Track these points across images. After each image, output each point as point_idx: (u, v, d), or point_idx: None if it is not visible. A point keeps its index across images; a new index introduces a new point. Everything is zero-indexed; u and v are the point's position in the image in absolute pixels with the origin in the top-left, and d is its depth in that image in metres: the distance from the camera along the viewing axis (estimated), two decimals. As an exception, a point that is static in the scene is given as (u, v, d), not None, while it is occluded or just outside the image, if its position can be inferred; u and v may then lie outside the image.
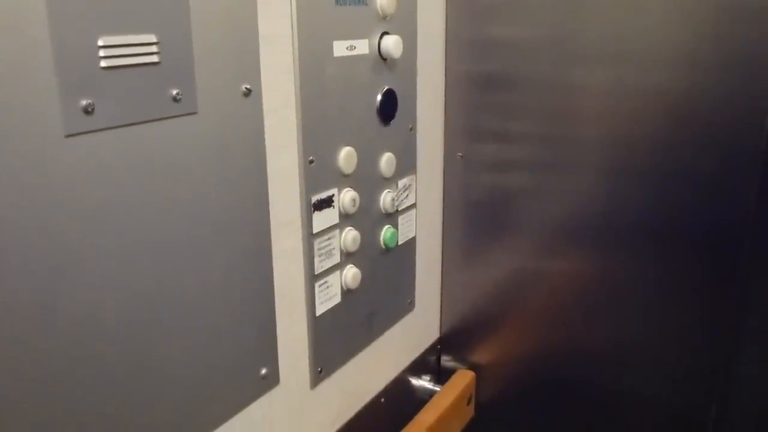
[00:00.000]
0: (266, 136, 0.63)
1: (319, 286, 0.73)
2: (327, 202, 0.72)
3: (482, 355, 1.04)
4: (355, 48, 0.73)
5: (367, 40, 0.75)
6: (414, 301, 0.96)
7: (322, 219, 0.72)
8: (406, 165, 0.87)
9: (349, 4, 0.71)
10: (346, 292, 0.78)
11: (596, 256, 0.90)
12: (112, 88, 0.48)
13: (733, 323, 0.83)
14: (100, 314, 0.50)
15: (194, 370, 0.59)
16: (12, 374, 0.45)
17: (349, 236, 0.76)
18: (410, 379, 1.00)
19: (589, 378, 0.95)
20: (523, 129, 0.91)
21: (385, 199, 0.82)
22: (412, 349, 1.00)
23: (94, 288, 0.49)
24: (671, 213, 0.83)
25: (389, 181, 0.83)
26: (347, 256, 0.77)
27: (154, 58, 0.50)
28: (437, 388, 1.01)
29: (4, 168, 0.42)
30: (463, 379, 1.03)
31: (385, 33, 0.77)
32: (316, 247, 0.72)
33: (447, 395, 0.99)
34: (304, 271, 0.71)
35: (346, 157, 0.73)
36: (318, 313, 0.74)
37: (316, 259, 0.72)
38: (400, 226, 0.87)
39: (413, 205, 0.90)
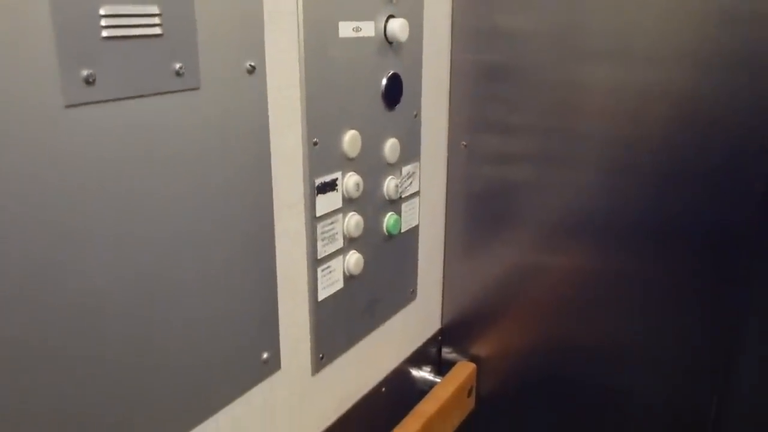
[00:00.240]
0: (270, 114, 0.62)
1: (322, 270, 0.72)
2: (331, 186, 0.71)
3: (483, 348, 1.04)
4: (360, 30, 0.72)
5: (373, 23, 0.73)
6: (416, 290, 0.95)
7: (326, 202, 0.71)
8: (411, 152, 0.85)
9: (356, -15, 0.70)
10: (349, 278, 0.77)
11: (597, 253, 0.89)
12: (114, 60, 0.47)
13: (733, 323, 0.83)
14: (99, 297, 0.49)
15: (195, 352, 0.58)
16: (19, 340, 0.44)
17: (353, 221, 0.75)
18: (411, 369, 0.99)
19: (589, 375, 0.95)
20: (526, 121, 0.90)
21: (389, 185, 0.81)
22: (414, 339, 0.99)
23: (92, 269, 0.48)
24: (672, 212, 0.83)
25: (393, 167, 0.82)
26: (350, 242, 0.76)
27: (157, 30, 0.49)
28: (438, 380, 1.00)
29: (3, 138, 0.41)
30: (463, 370, 1.02)
31: (392, 16, 0.76)
32: (319, 230, 0.71)
33: (447, 387, 0.98)
34: (306, 255, 0.70)
35: (350, 140, 0.72)
36: (320, 298, 0.73)
37: (319, 243, 0.71)
38: (403, 214, 0.86)
39: (416, 193, 0.89)
